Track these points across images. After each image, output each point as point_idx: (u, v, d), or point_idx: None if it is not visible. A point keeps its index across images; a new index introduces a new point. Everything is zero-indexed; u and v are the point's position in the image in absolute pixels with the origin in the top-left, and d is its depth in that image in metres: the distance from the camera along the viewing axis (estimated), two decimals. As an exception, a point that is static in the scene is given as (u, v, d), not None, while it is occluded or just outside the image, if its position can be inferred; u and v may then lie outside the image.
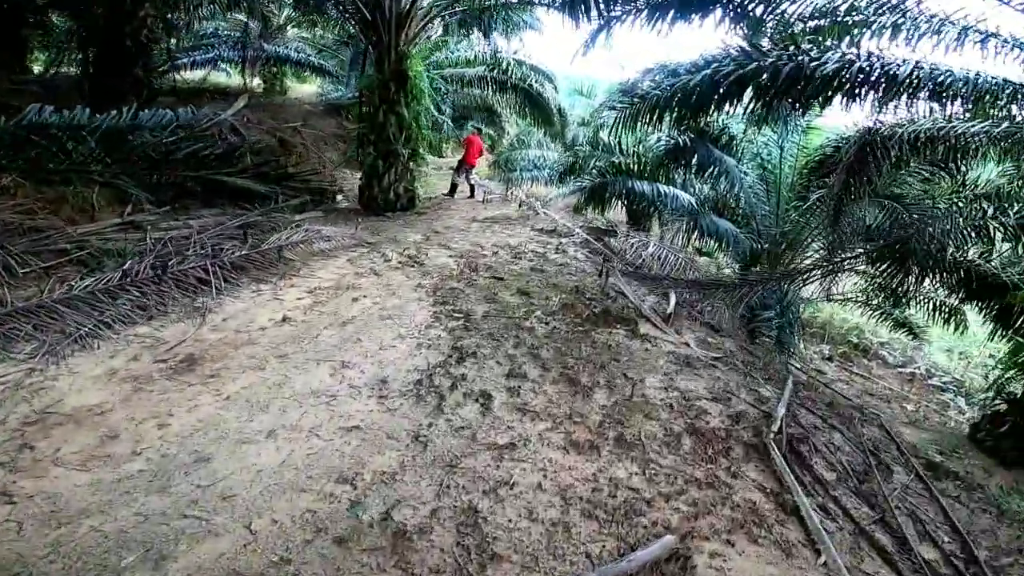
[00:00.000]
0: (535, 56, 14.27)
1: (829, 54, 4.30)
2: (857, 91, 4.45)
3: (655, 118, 5.86)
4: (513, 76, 13.31)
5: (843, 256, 7.23)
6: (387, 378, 3.79)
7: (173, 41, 14.50)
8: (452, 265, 6.18)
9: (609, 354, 4.09)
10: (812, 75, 4.30)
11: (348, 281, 5.58)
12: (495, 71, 13.25)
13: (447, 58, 14.36)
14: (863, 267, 7.81)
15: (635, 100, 5.97)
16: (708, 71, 4.89)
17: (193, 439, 3.27)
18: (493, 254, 6.67)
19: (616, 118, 6.08)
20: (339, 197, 9.54)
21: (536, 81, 13.52)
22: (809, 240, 9.08)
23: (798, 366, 8.07)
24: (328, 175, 10.85)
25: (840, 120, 9.46)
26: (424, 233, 7.69)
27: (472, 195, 10.50)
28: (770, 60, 4.49)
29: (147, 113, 6.90)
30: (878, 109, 4.70)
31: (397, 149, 8.44)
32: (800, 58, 4.36)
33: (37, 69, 12.21)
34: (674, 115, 5.81)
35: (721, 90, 4.83)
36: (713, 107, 5.22)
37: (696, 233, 9.58)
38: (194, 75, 14.89)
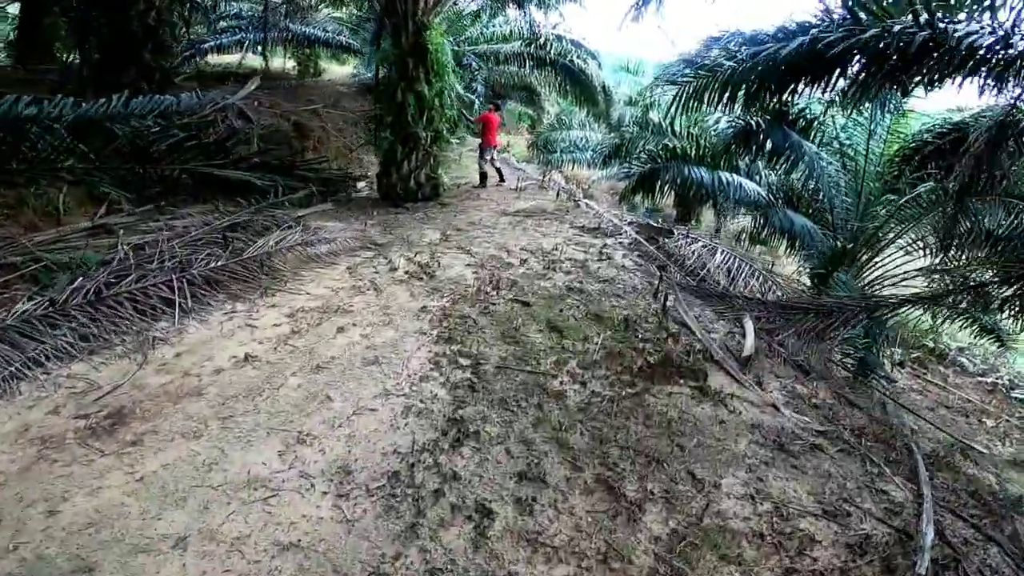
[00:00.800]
0: (576, 32, 12.77)
1: (975, 24, 3.23)
2: (1011, 68, 3.18)
3: (726, 95, 4.60)
4: (552, 51, 11.89)
5: (967, 270, 5.62)
6: (353, 465, 2.68)
7: (200, 25, 13.80)
8: (469, 278, 4.98)
9: (669, 436, 2.80)
10: (956, 47, 3.17)
11: (339, 300, 4.50)
12: (532, 46, 11.87)
13: (481, 34, 13.03)
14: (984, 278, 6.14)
15: (702, 73, 4.62)
16: (805, 38, 3.76)
17: (82, 537, 2.37)
18: (521, 263, 5.43)
19: (677, 95, 4.71)
20: (361, 184, 8.48)
21: (578, 57, 12.05)
22: (894, 238, 7.45)
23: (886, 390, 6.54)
24: (353, 160, 9.84)
25: (928, 104, 7.71)
26: (444, 231, 6.52)
27: (502, 180, 9.18)
28: (897, 27, 3.24)
29: (141, 100, 6.01)
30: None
31: (417, 132, 7.27)
32: (945, 26, 3.10)
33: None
34: (752, 91, 4.53)
35: (820, 62, 3.79)
36: (806, 83, 4.15)
37: (766, 229, 8.09)
38: (229, 59, 14.10)
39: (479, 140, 9.01)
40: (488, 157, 8.80)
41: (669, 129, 10.09)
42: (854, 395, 4.54)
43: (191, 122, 6.67)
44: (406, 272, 5.03)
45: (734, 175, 8.40)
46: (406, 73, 7.11)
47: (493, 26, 13.26)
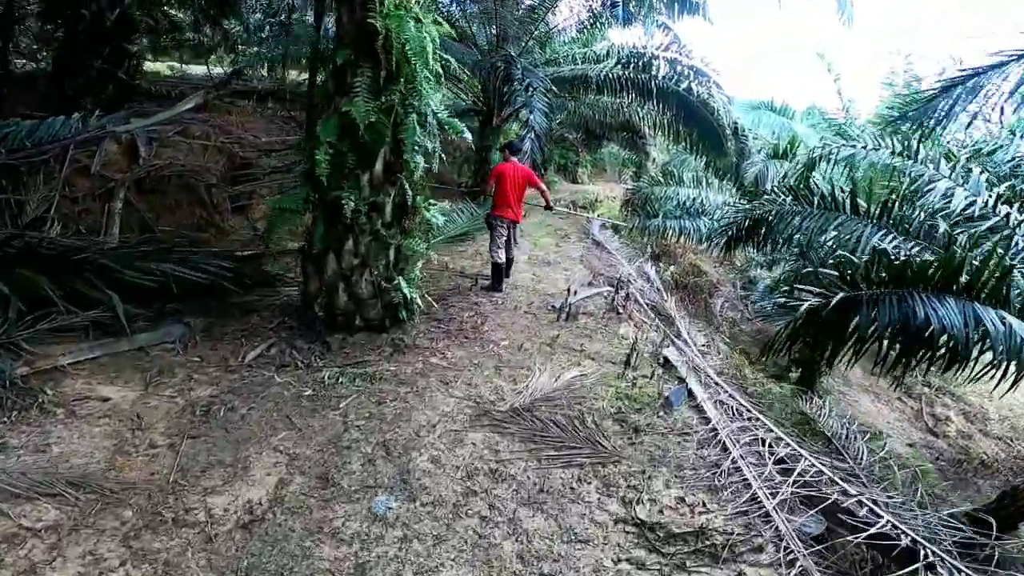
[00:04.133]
0: (696, 55, 8.33)
1: None
2: None
3: None
4: (660, 75, 7.67)
5: None
6: None
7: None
8: None
9: None
10: None
11: None
12: (632, 68, 7.74)
13: (568, 52, 9.18)
14: None
15: None
16: None
17: None
18: None
19: None
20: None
21: (697, 84, 7.70)
22: None
23: None
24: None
25: None
26: (295, 474, 2.40)
27: (504, 275, 5.02)
28: None
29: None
30: None
31: (342, 197, 3.41)
32: None
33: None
34: None
35: None
36: None
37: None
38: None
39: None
40: (502, 238, 4.70)
41: (847, 203, 5.12)
42: None
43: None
44: None
45: (998, 310, 3.51)
46: (343, 81, 3.37)
47: (584, 45, 9.37)
